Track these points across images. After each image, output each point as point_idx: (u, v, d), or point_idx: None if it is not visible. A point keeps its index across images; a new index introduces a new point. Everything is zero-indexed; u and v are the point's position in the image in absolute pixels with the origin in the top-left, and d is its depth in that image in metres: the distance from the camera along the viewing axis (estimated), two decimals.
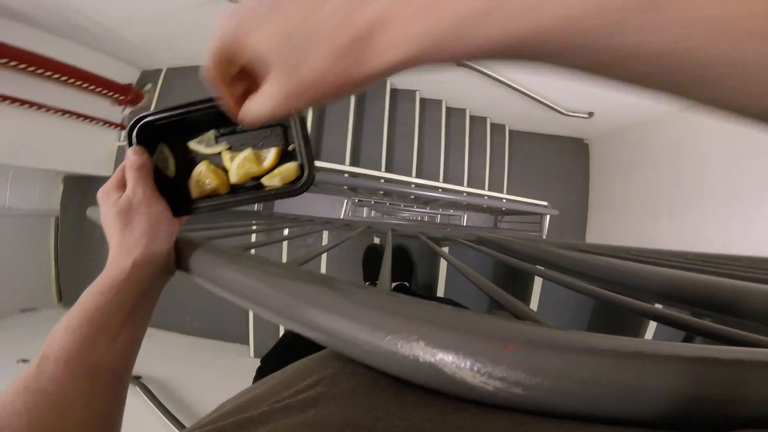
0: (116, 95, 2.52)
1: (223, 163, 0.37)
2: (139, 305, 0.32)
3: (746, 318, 0.29)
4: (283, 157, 0.37)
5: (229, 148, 0.38)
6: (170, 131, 0.36)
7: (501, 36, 0.13)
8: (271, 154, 0.36)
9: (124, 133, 0.31)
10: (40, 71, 1.96)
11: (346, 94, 0.17)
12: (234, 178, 0.37)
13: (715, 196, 2.57)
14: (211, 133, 0.38)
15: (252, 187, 0.38)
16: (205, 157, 0.38)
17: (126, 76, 2.66)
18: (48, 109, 2.13)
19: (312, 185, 0.36)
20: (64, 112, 2.23)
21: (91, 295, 0.29)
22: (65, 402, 0.25)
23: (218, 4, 1.92)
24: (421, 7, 0.13)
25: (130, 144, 0.34)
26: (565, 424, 0.14)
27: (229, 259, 0.33)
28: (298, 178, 0.36)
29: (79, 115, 2.33)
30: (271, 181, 0.36)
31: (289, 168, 0.36)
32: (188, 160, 0.38)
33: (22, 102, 1.96)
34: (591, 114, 3.04)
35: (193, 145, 0.38)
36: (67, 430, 0.25)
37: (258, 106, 0.19)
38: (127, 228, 0.31)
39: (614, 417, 0.13)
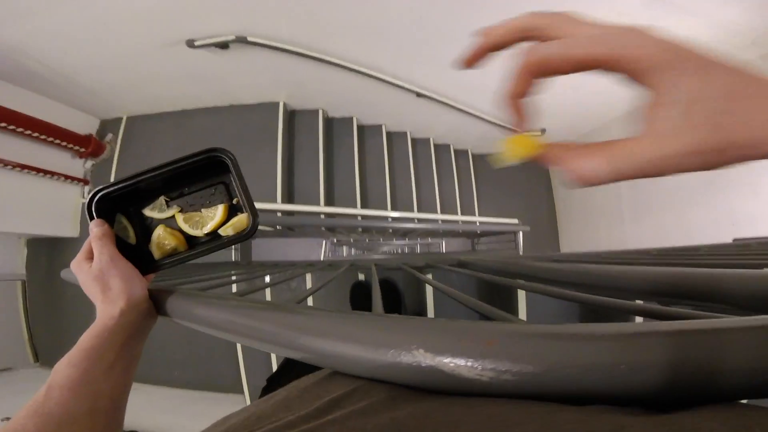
0: (76, 147, 2.33)
1: (178, 225, 0.42)
2: (130, 343, 0.38)
3: (723, 303, 0.30)
4: (233, 209, 0.42)
5: (181, 210, 0.42)
6: (125, 200, 0.40)
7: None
8: (219, 211, 0.41)
9: (85, 201, 0.34)
10: None
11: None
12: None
13: (670, 194, 2.76)
14: (161, 199, 0.42)
15: (208, 241, 0.42)
16: (161, 221, 0.42)
17: (85, 126, 2.48)
18: (2, 162, 1.89)
19: (257, 230, 0.40)
20: (22, 167, 1.99)
21: (87, 337, 0.35)
22: (71, 421, 0.30)
23: (176, 47, 1.88)
24: None
25: (91, 218, 0.38)
26: (530, 406, 0.16)
27: (194, 297, 0.37)
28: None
29: (38, 170, 2.09)
30: (226, 232, 0.41)
31: (240, 219, 0.41)
32: (147, 225, 0.42)
33: None
34: (543, 130, 3.26)
35: (148, 212, 0.42)
36: None
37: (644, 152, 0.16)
38: (107, 288, 0.37)
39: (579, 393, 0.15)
